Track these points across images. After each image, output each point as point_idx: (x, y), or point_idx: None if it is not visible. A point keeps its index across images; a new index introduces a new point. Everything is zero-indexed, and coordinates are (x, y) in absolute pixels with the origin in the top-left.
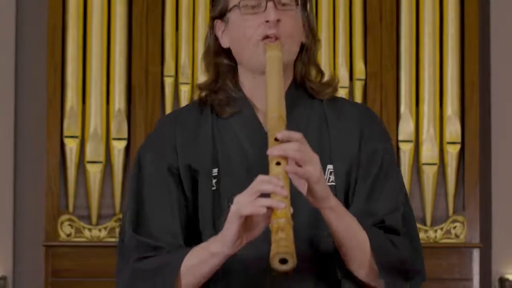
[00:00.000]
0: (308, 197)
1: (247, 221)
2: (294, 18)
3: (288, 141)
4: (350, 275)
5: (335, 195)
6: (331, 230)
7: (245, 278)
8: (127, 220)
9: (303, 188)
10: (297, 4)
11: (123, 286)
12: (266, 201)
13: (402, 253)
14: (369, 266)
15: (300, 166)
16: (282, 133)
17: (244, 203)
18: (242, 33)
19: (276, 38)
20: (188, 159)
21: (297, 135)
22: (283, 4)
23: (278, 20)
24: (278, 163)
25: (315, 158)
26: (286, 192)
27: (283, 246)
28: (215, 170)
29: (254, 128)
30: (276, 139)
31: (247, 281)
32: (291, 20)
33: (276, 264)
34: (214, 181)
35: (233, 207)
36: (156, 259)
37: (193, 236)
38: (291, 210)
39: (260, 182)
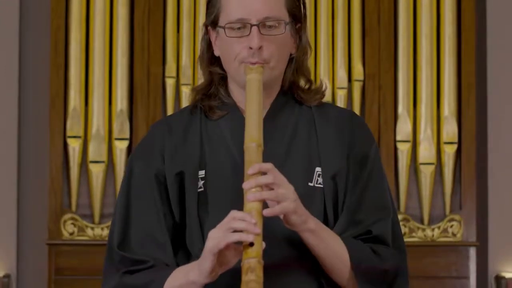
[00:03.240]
0: (285, 224)
1: (220, 256)
2: (279, 40)
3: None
4: (334, 283)
5: (323, 197)
6: (311, 250)
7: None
8: (115, 231)
9: (280, 216)
10: (284, 22)
11: None
12: (237, 235)
13: (385, 264)
14: (350, 279)
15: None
16: (253, 168)
17: (218, 239)
18: (227, 52)
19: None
20: (174, 165)
21: (268, 165)
22: (269, 27)
23: (261, 47)
24: None
25: (290, 190)
26: (258, 229)
27: None
28: (202, 172)
29: (241, 130)
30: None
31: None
32: (275, 44)
33: None
34: (201, 182)
35: (207, 243)
36: (140, 275)
37: (180, 243)
38: (263, 245)
39: (233, 220)
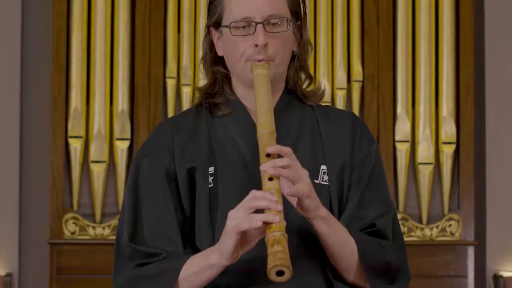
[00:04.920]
0: (298, 209)
1: (243, 236)
2: (283, 37)
3: (279, 155)
4: (341, 277)
5: (329, 194)
6: (320, 238)
7: (247, 277)
8: (125, 227)
9: (293, 201)
10: (287, 19)
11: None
12: (262, 216)
13: (389, 256)
14: (357, 270)
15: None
16: (274, 147)
17: (241, 219)
18: (233, 51)
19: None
20: (185, 161)
21: (287, 149)
22: (273, 24)
23: (266, 45)
24: (270, 178)
25: (305, 174)
26: (280, 206)
27: (279, 259)
28: (211, 168)
29: (248, 127)
30: (267, 155)
31: (249, 280)
32: (279, 41)
33: (273, 276)
34: (211, 178)
35: (229, 223)
36: (155, 265)
37: (189, 239)
38: (285, 223)
39: (254, 199)
